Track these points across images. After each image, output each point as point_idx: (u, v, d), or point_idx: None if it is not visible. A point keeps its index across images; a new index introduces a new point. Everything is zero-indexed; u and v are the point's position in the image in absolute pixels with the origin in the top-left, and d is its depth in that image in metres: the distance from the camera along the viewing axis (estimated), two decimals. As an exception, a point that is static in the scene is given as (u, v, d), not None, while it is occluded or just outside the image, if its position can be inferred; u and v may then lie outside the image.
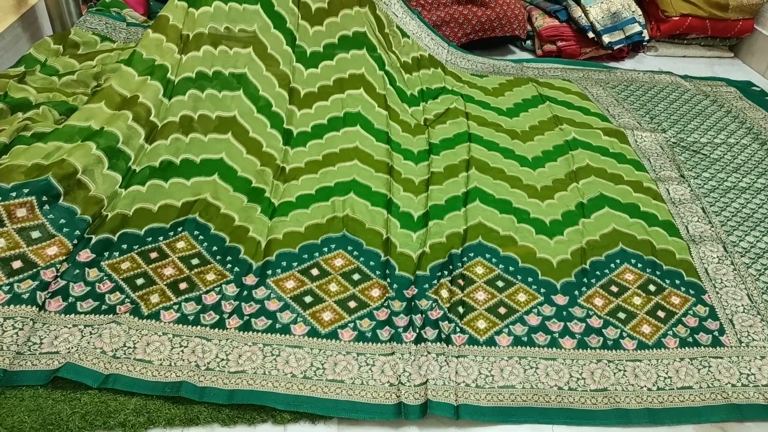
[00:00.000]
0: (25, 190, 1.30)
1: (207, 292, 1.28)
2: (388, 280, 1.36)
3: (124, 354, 1.13)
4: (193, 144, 1.62)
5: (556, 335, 1.28)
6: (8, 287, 1.19)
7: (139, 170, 1.52)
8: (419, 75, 2.17)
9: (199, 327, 1.21)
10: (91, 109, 1.54)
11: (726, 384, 1.20)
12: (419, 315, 1.28)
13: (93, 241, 1.34)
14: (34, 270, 1.23)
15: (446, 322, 1.26)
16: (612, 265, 1.47)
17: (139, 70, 1.65)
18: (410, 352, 1.20)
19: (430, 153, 1.81)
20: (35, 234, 1.27)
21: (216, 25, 1.78)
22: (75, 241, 1.32)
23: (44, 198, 1.31)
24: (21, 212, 1.27)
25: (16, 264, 1.22)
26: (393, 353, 1.20)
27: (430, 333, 1.24)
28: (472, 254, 1.44)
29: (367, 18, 2.04)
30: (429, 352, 1.19)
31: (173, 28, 1.74)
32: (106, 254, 1.33)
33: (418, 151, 1.83)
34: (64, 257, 1.28)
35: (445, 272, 1.39)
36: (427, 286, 1.36)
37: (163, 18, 1.75)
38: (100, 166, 1.45)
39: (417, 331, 1.24)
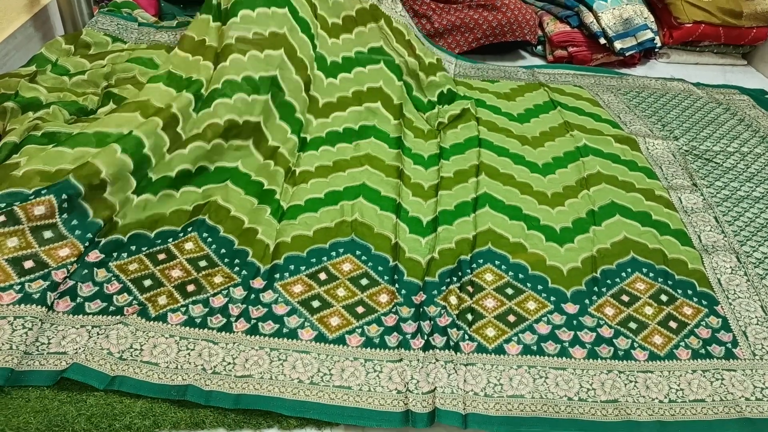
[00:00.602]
0: (44, 192, 1.29)
1: (214, 294, 1.28)
2: (397, 285, 1.35)
3: (131, 356, 1.12)
4: (214, 150, 1.59)
5: (566, 344, 1.26)
6: (20, 286, 1.19)
7: (156, 179, 1.48)
8: (442, 75, 2.14)
9: (206, 330, 1.20)
10: (126, 118, 1.52)
11: (739, 397, 1.18)
12: (427, 321, 1.27)
13: (103, 242, 1.33)
14: (46, 270, 1.23)
15: (455, 329, 1.25)
16: (623, 274, 1.45)
17: (175, 87, 1.65)
18: (418, 359, 1.19)
19: (440, 158, 1.80)
20: (48, 234, 1.27)
21: (243, 32, 1.76)
22: (86, 243, 1.31)
23: (64, 197, 1.29)
24: (39, 210, 1.26)
25: (28, 264, 1.22)
26: (401, 360, 1.19)
27: (438, 340, 1.22)
28: (481, 261, 1.42)
29: (383, 31, 2.03)
30: (437, 360, 1.18)
31: (210, 48, 1.76)
32: (115, 255, 1.33)
33: (429, 155, 1.82)
34: (75, 258, 1.28)
35: (454, 278, 1.38)
36: (435, 292, 1.35)
37: (199, 41, 1.77)
38: (122, 168, 1.41)
39: (425, 337, 1.23)
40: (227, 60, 1.72)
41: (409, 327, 1.26)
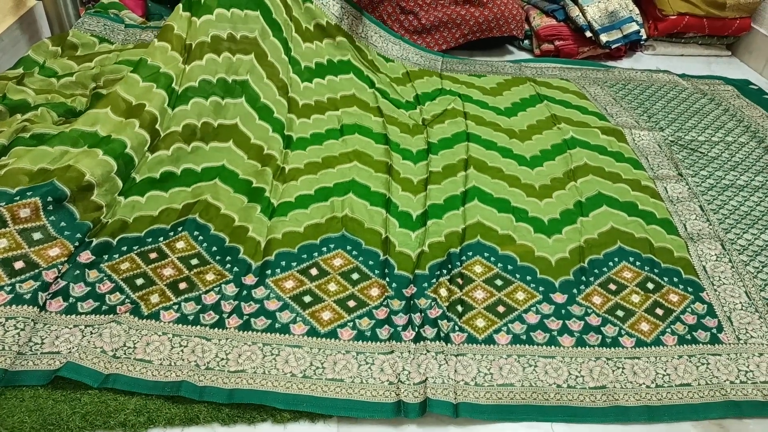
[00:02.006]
0: (29, 193, 1.30)
1: (206, 292, 1.29)
2: (387, 279, 1.37)
3: (124, 354, 1.13)
4: (195, 153, 1.63)
5: (555, 333, 1.28)
6: (10, 287, 1.19)
7: (140, 180, 1.52)
8: (413, 84, 2.19)
9: (198, 327, 1.21)
10: (97, 114, 1.55)
11: (724, 381, 1.21)
12: (418, 314, 1.28)
13: (93, 243, 1.34)
14: (36, 271, 1.23)
15: (445, 320, 1.27)
16: (610, 264, 1.47)
17: (143, 75, 1.66)
18: (409, 351, 1.20)
19: (428, 153, 1.81)
20: (37, 235, 1.28)
21: (218, 31, 1.80)
22: (76, 244, 1.32)
23: (49, 199, 1.31)
24: (24, 213, 1.28)
25: (18, 264, 1.23)
26: (392, 352, 1.20)
27: (429, 332, 1.24)
28: (470, 253, 1.44)
29: (350, 47, 2.08)
30: (428, 351, 1.20)
31: (177, 37, 1.76)
32: (106, 256, 1.34)
33: (417, 150, 1.84)
34: (66, 258, 1.28)
35: (444, 271, 1.39)
36: (426, 284, 1.36)
37: (168, 27, 1.78)
38: (107, 171, 1.45)
39: (416, 329, 1.25)
40: (203, 59, 1.75)
41: (400, 319, 1.28)
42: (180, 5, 1.82)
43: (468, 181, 1.68)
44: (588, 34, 2.58)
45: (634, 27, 2.62)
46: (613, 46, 2.60)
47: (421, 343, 1.21)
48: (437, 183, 1.69)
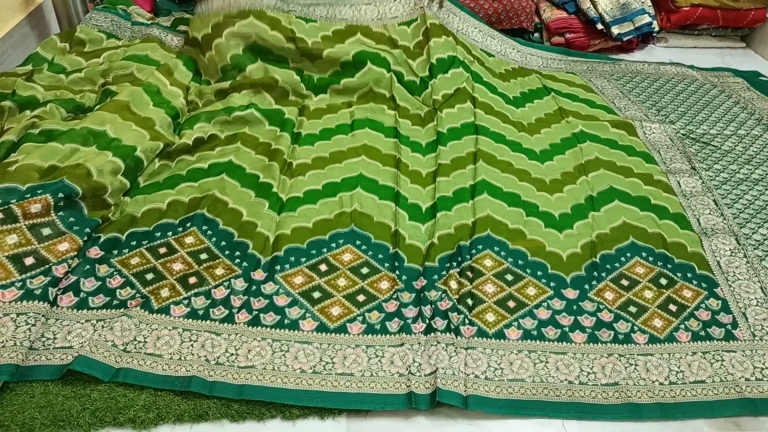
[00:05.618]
0: (39, 191, 1.30)
1: (216, 286, 1.28)
2: (397, 272, 1.36)
3: (135, 348, 1.14)
4: (200, 158, 1.66)
5: (567, 329, 1.27)
6: (21, 283, 1.20)
7: (144, 185, 1.56)
8: (431, 44, 2.09)
9: (208, 321, 1.21)
10: (104, 116, 1.59)
11: (739, 378, 1.19)
12: (429, 306, 1.28)
13: (102, 239, 1.35)
14: (46, 266, 1.24)
15: (455, 312, 1.26)
16: (622, 259, 1.46)
17: (154, 101, 1.76)
18: (420, 343, 1.20)
19: (437, 144, 1.79)
20: (46, 231, 1.29)
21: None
22: (85, 238, 1.33)
23: (60, 195, 1.32)
24: (35, 208, 1.28)
25: (29, 260, 1.23)
26: (402, 344, 1.20)
27: (439, 323, 1.23)
28: (480, 247, 1.43)
29: (361, 40, 2.06)
30: (438, 342, 1.19)
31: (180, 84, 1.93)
32: (116, 251, 1.34)
33: (426, 143, 1.82)
34: (75, 253, 1.29)
35: (454, 264, 1.38)
36: (436, 277, 1.35)
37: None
38: (116, 171, 1.48)
39: (426, 321, 1.24)
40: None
41: (410, 312, 1.27)
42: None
43: (477, 174, 1.66)
44: (599, 26, 2.55)
45: (647, 19, 2.58)
46: (625, 39, 2.57)
47: (432, 334, 1.21)
48: (446, 175, 1.67)
